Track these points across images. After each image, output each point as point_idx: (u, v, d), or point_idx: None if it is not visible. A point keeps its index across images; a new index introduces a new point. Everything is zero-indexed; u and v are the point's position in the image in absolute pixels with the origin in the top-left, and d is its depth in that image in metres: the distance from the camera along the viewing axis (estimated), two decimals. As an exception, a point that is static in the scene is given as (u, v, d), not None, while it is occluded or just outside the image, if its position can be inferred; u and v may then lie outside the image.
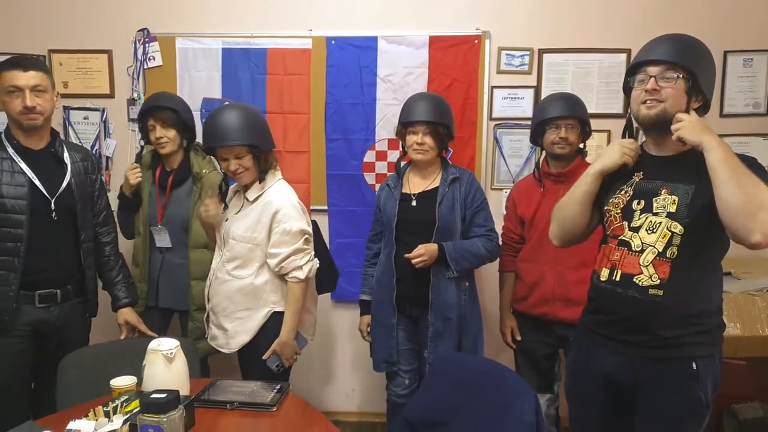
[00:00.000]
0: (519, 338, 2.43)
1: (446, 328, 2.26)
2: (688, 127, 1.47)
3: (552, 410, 2.40)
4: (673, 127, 1.51)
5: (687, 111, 1.52)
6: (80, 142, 2.91)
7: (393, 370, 2.37)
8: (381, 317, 2.37)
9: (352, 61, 2.83)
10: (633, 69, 1.61)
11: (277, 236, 2.07)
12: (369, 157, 2.87)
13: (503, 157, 2.89)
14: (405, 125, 2.26)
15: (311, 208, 2.93)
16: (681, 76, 1.52)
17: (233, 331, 2.15)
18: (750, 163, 1.51)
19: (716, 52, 2.74)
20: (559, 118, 2.24)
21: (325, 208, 2.94)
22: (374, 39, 2.81)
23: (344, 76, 2.84)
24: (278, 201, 2.09)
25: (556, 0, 2.80)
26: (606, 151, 1.67)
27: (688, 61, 1.51)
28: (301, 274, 2.09)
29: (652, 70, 1.55)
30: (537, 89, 2.83)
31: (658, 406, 1.59)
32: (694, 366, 1.55)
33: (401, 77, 2.82)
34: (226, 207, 2.24)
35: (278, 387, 1.81)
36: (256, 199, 2.13)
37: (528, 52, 2.81)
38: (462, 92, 2.82)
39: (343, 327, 3.05)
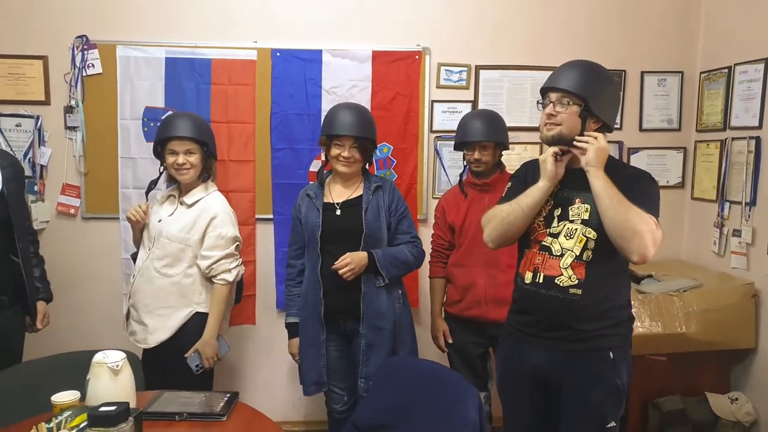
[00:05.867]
0: (451, 341, 2.50)
1: (378, 339, 2.21)
2: (591, 152, 1.66)
3: (487, 407, 2.50)
4: (579, 142, 1.68)
5: (582, 132, 1.70)
6: (11, 150, 2.79)
7: (323, 390, 2.30)
8: (309, 336, 2.26)
9: (297, 72, 2.87)
10: (542, 93, 1.79)
11: (211, 240, 2.20)
12: (315, 166, 2.90)
13: (443, 167, 3.00)
14: (329, 137, 2.23)
15: (256, 216, 2.95)
16: (572, 102, 1.69)
17: (153, 327, 2.20)
18: (641, 177, 1.74)
19: (634, 73, 3.06)
20: (476, 141, 2.37)
21: (271, 216, 2.95)
22: (319, 52, 2.87)
23: (289, 88, 2.88)
24: (216, 207, 2.23)
25: (492, 20, 2.96)
26: (542, 167, 1.77)
27: (582, 90, 1.68)
28: (230, 277, 2.21)
29: (552, 96, 1.73)
30: (474, 103, 2.98)
31: (582, 394, 1.73)
32: (611, 355, 1.72)
33: (346, 90, 2.89)
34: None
35: (227, 396, 1.80)
36: (193, 203, 2.23)
37: (465, 68, 2.96)
38: (404, 105, 2.92)
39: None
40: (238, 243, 2.27)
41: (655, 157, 3.09)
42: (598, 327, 1.71)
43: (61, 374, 1.84)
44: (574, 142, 1.69)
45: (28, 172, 2.81)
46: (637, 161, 3.05)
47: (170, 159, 2.21)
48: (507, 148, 2.49)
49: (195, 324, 2.20)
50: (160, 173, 2.33)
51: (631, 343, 1.82)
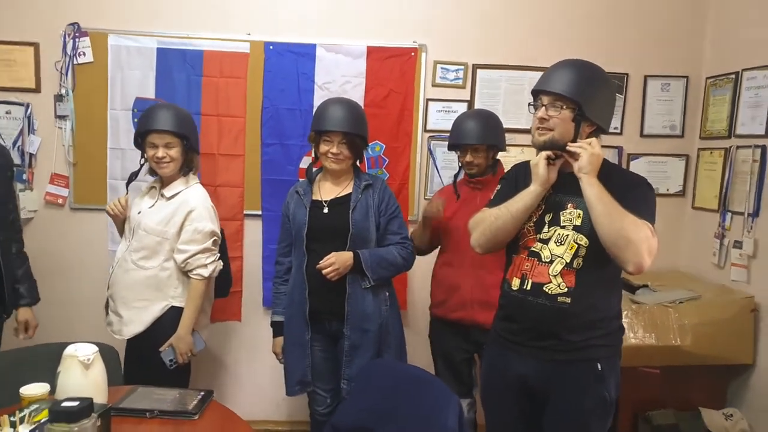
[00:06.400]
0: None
1: (363, 341, 2.17)
2: (584, 158, 1.59)
3: (471, 414, 2.44)
4: (572, 148, 1.62)
5: (576, 137, 1.63)
6: (1, 137, 2.77)
7: (308, 390, 2.26)
8: (294, 335, 2.23)
9: (290, 67, 2.82)
10: (533, 95, 1.73)
11: (188, 234, 2.17)
12: (305, 163, 2.85)
13: (437, 168, 2.94)
14: (319, 132, 2.18)
15: (245, 212, 2.90)
16: (565, 106, 1.63)
17: (128, 319, 2.19)
18: (637, 183, 1.68)
19: (637, 76, 2.97)
20: (467, 145, 2.32)
21: (260, 213, 2.91)
22: (313, 46, 2.82)
23: (281, 82, 2.83)
24: (194, 201, 2.21)
25: (490, 18, 2.89)
26: (534, 171, 1.70)
27: (575, 93, 1.61)
28: (206, 272, 2.19)
29: (544, 99, 1.66)
30: (470, 103, 2.91)
31: (567, 405, 1.68)
32: (599, 367, 1.66)
33: (339, 85, 2.83)
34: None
35: (201, 395, 1.77)
36: (173, 196, 2.22)
37: (462, 67, 2.89)
38: (398, 103, 2.86)
39: (274, 334, 3.01)
40: (215, 238, 2.23)
41: (656, 164, 3.00)
42: (587, 337, 1.65)
43: (38, 365, 1.80)
44: (567, 148, 1.63)
45: (17, 160, 2.79)
46: (637, 168, 2.97)
47: (150, 152, 2.19)
48: (503, 150, 2.42)
49: (171, 318, 2.18)
50: (141, 165, 2.31)
51: (621, 354, 1.76)
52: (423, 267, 2.57)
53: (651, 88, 2.97)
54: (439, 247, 2.50)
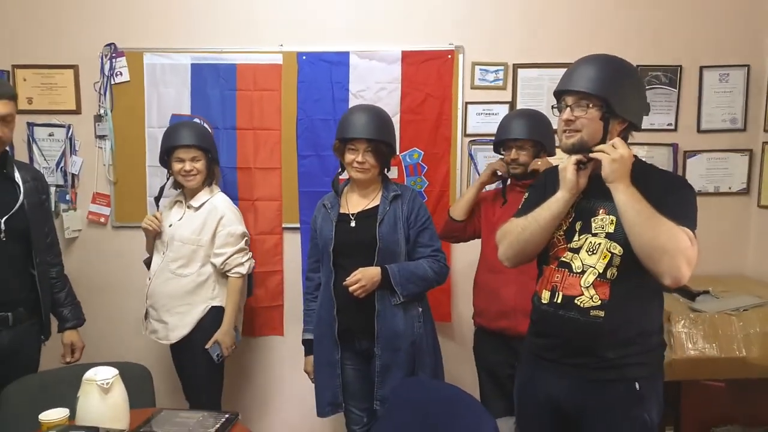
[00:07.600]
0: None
1: (395, 361, 2.08)
2: (607, 163, 1.48)
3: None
4: (595, 155, 1.51)
5: (605, 137, 1.53)
6: (45, 159, 2.84)
7: (339, 412, 2.20)
8: (323, 354, 2.17)
9: (323, 76, 2.77)
10: (556, 96, 1.62)
11: (222, 238, 2.36)
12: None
13: (478, 173, 2.81)
14: (343, 141, 2.11)
15: (283, 225, 2.87)
16: (591, 105, 1.52)
17: (173, 324, 2.36)
18: (676, 184, 1.57)
19: (692, 68, 2.77)
20: (512, 140, 2.24)
21: (298, 225, 2.86)
22: (346, 54, 2.76)
23: (316, 92, 2.78)
24: (222, 207, 2.40)
25: (530, 15, 2.76)
26: (562, 176, 1.60)
27: (600, 89, 1.51)
28: (243, 270, 2.39)
29: (569, 99, 1.56)
30: (512, 104, 2.79)
31: (603, 429, 1.57)
32: (638, 387, 1.54)
33: (374, 93, 2.76)
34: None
35: (225, 417, 1.73)
36: (200, 206, 2.38)
37: (502, 67, 2.77)
38: (436, 108, 2.77)
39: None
40: (246, 238, 2.43)
41: (716, 161, 2.80)
42: (623, 354, 1.54)
43: (71, 387, 1.75)
44: (590, 154, 1.52)
45: (60, 181, 2.85)
46: (696, 165, 2.79)
47: (177, 166, 2.34)
48: (551, 151, 2.29)
49: (211, 317, 2.36)
50: (167, 179, 2.46)
51: (663, 372, 1.64)
52: (468, 275, 2.49)
53: (708, 80, 2.77)
54: (480, 252, 2.41)
